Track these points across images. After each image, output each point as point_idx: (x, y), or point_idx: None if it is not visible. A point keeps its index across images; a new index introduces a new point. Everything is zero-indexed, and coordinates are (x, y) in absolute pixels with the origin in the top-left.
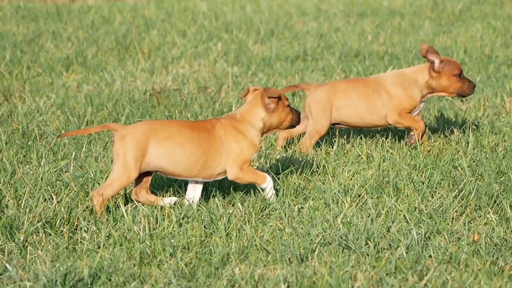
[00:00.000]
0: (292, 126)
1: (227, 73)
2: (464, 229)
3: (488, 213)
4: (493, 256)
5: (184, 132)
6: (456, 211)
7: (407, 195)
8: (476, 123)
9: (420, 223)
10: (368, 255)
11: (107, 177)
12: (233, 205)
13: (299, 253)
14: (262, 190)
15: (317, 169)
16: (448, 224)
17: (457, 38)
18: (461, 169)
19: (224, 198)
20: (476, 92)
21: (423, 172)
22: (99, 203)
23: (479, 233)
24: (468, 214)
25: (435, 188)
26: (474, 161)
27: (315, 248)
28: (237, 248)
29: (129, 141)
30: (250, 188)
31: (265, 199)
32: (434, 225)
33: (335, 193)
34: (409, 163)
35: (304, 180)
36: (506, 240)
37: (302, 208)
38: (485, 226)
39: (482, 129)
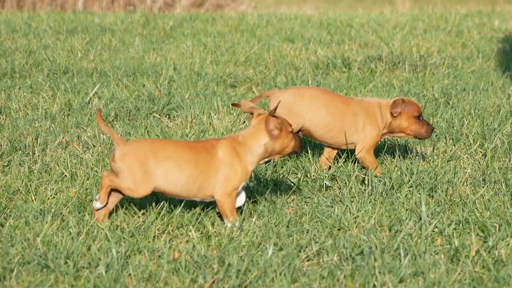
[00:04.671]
0: (294, 152)
1: None
2: (165, 247)
3: (190, 230)
4: (193, 274)
5: (182, 152)
6: (158, 229)
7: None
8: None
9: (121, 241)
10: (67, 274)
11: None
12: None
13: None
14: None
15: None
16: (149, 242)
17: (167, 55)
18: None
19: None
20: (183, 109)
21: None
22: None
23: (180, 251)
24: (170, 232)
25: (139, 206)
26: None
27: (14, 267)
28: None
29: (130, 160)
30: None
31: None
32: (135, 243)
33: (36, 211)
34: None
35: (6, 199)
36: (206, 257)
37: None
38: (187, 243)
39: None
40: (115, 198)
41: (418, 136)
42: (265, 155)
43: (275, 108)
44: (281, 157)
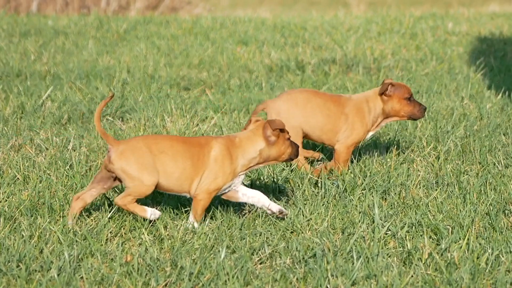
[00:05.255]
0: (290, 159)
1: None
2: (118, 250)
3: (143, 233)
4: (145, 277)
5: (176, 146)
6: (111, 232)
7: (63, 216)
8: None
9: (74, 244)
10: (19, 277)
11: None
12: None
13: None
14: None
15: None
16: (102, 245)
17: (121, 57)
18: (118, 190)
19: None
20: (137, 111)
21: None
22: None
23: (132, 253)
24: (122, 235)
25: (91, 209)
26: None
27: None
28: None
29: (129, 157)
30: None
31: None
32: (88, 247)
33: None
34: (66, 184)
35: None
36: (159, 260)
37: None
38: (139, 246)
39: None
40: (95, 193)
41: (412, 116)
42: (260, 161)
43: (277, 126)
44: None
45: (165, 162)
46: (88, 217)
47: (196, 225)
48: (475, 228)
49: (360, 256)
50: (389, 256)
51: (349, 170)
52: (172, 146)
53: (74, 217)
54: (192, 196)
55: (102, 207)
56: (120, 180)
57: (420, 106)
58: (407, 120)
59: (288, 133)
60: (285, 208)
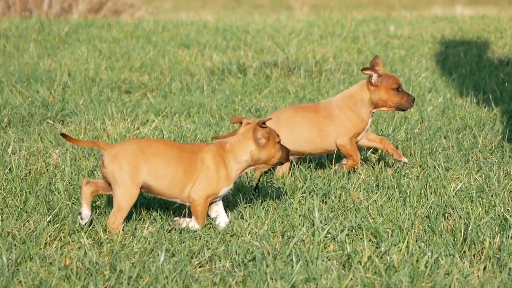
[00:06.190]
0: (280, 163)
1: None
2: (57, 253)
3: (82, 237)
4: (84, 281)
5: (169, 150)
6: (50, 235)
7: (2, 220)
8: (76, 147)
9: (12, 248)
10: None
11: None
12: None
13: None
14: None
15: None
16: (40, 249)
17: (62, 61)
18: (58, 193)
19: None
20: (77, 115)
21: (18, 197)
22: (117, 231)
23: (71, 257)
24: (62, 239)
25: (31, 212)
26: (71, 185)
27: None
28: None
29: (122, 162)
30: None
31: None
32: (26, 250)
33: None
34: (5, 188)
35: None
36: (98, 264)
37: None
38: (79, 250)
39: (82, 152)
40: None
41: (400, 107)
42: (251, 163)
43: (265, 120)
44: (267, 167)
45: (158, 165)
46: (27, 221)
47: (197, 226)
48: (414, 231)
49: (299, 260)
50: (329, 259)
51: (289, 173)
52: (165, 150)
53: (87, 204)
54: (184, 202)
55: (42, 211)
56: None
57: (408, 97)
58: (395, 110)
59: (278, 136)
60: (226, 212)
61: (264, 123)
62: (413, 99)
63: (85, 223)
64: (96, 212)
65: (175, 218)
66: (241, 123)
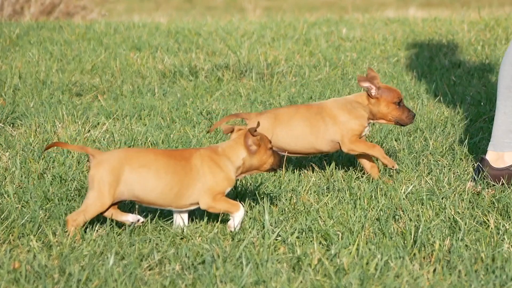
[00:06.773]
0: (273, 169)
1: None
2: (6, 257)
3: (31, 240)
4: (33, 284)
5: (160, 160)
6: None
7: None
8: (28, 149)
9: None
10: None
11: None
12: None
13: None
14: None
15: None
16: None
17: (12, 63)
18: (8, 196)
19: None
20: (28, 117)
21: None
22: (72, 229)
23: (20, 260)
24: (11, 242)
25: None
26: (21, 188)
27: None
28: None
29: (104, 168)
30: None
31: None
32: None
33: None
34: None
35: None
36: (47, 267)
37: None
38: (28, 253)
39: (32, 155)
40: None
41: (399, 122)
42: (243, 170)
43: (255, 128)
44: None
45: (147, 177)
46: None
47: (239, 214)
48: (365, 234)
49: (249, 262)
50: (279, 262)
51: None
52: (156, 160)
53: (121, 215)
54: (181, 209)
55: None
56: None
57: (409, 113)
58: (394, 125)
59: (270, 142)
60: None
61: (255, 130)
62: (413, 115)
63: (142, 221)
64: (45, 215)
65: (228, 223)
66: (233, 130)
